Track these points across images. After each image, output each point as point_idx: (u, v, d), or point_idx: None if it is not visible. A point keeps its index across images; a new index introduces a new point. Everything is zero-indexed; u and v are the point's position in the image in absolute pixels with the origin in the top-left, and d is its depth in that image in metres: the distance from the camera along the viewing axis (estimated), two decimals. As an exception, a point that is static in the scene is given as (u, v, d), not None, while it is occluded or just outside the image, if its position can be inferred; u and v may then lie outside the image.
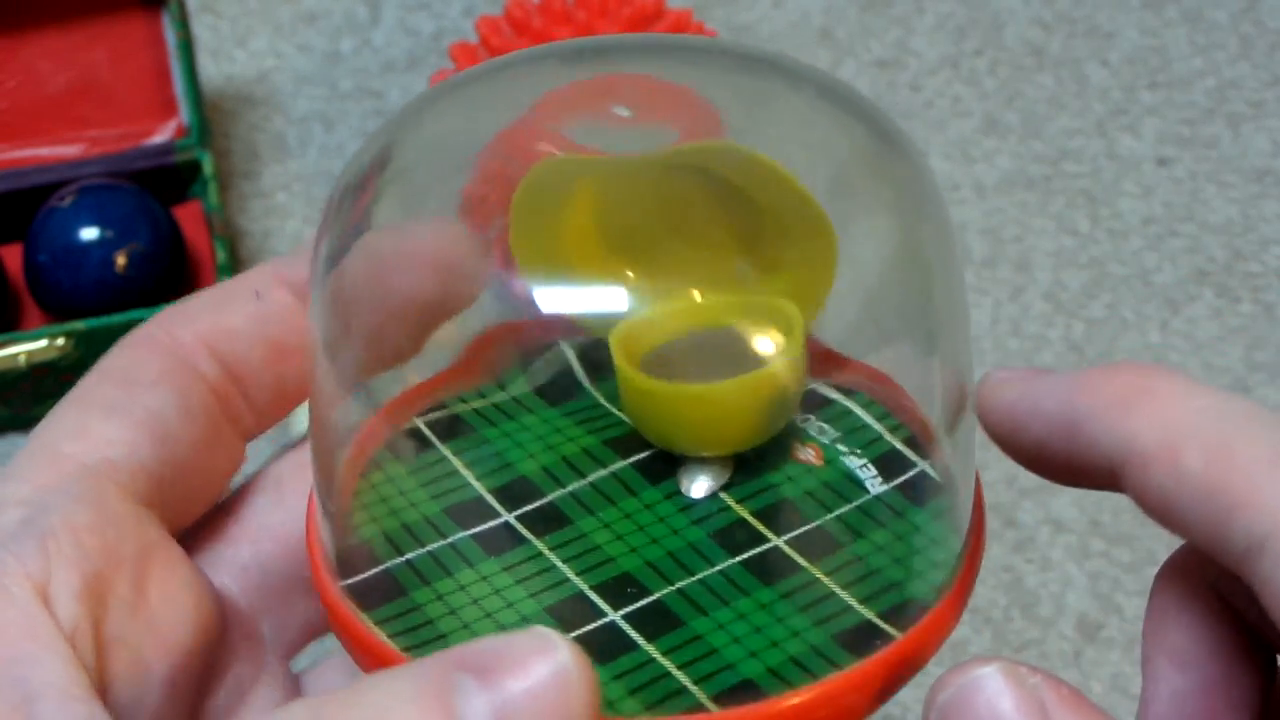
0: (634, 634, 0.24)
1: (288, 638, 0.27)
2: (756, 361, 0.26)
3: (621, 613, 0.24)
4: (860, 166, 0.27)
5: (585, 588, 0.25)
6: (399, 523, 0.26)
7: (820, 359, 0.27)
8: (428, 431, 0.27)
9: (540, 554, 0.25)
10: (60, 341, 0.60)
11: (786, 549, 0.25)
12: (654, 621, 0.24)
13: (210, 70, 0.73)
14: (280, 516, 0.27)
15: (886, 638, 0.24)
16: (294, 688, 0.27)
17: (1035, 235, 0.69)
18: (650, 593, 0.25)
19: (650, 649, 0.24)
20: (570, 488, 0.26)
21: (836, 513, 0.26)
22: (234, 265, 0.67)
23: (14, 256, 0.64)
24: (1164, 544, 0.59)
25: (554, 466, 0.26)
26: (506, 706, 0.20)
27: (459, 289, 0.27)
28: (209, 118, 0.70)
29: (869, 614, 0.24)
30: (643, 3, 0.61)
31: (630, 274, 0.27)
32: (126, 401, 0.25)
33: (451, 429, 0.27)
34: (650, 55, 0.28)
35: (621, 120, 0.27)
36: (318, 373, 0.26)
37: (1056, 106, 0.74)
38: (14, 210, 0.65)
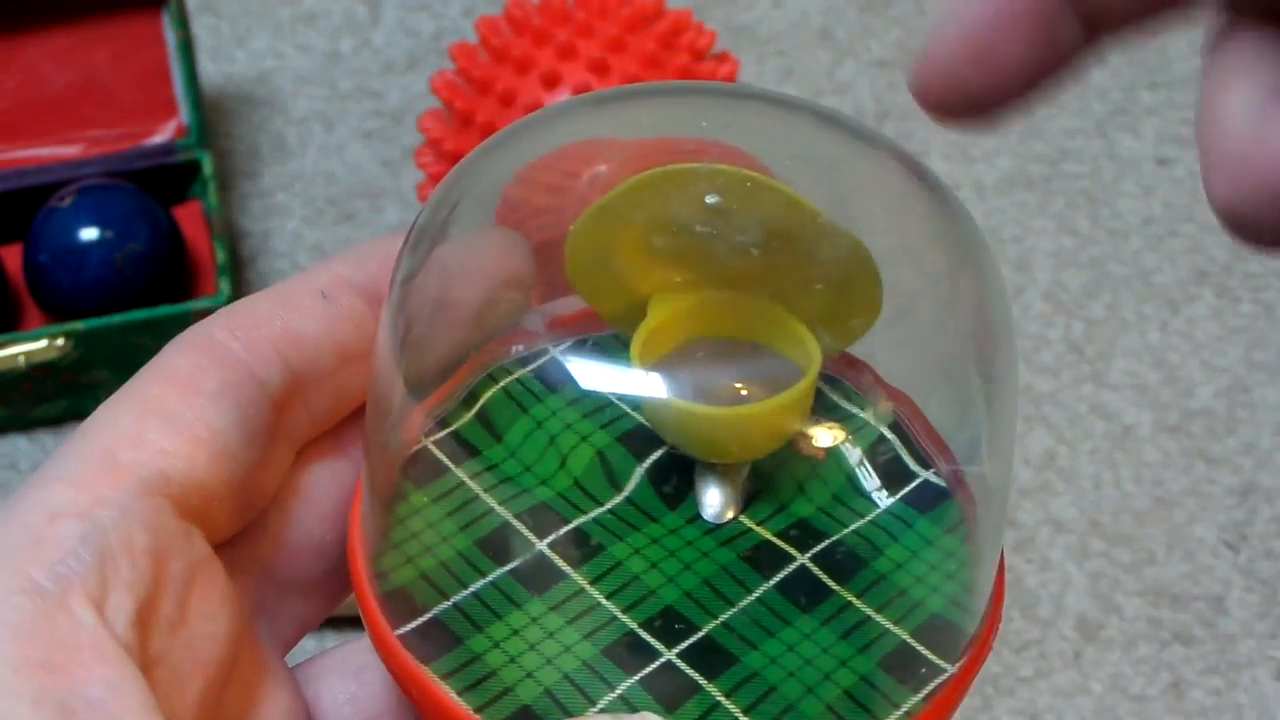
0: (693, 673, 0.24)
1: (283, 635, 0.27)
2: (771, 389, 0.26)
3: (675, 651, 0.24)
4: (912, 216, 0.27)
5: (634, 625, 0.25)
6: (435, 561, 0.25)
7: (842, 364, 0.27)
8: (440, 453, 0.26)
9: (582, 589, 0.25)
10: (60, 341, 0.60)
11: (813, 567, 0.26)
12: (708, 658, 0.24)
13: (210, 70, 0.74)
14: (281, 517, 0.27)
15: (937, 669, 0.24)
16: (297, 689, 0.27)
17: (1035, 235, 0.69)
18: (697, 628, 0.25)
19: (713, 689, 0.24)
20: (593, 514, 0.26)
21: (853, 527, 0.26)
22: (234, 265, 0.67)
23: (14, 256, 0.64)
24: (1163, 544, 0.60)
25: (569, 488, 0.26)
26: None
27: (512, 297, 0.26)
28: (209, 118, 0.70)
29: (907, 637, 0.25)
30: (643, 3, 0.61)
31: (677, 278, 0.27)
32: (187, 413, 0.24)
33: (460, 447, 0.26)
34: (720, 115, 0.28)
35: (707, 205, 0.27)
36: (380, 388, 0.26)
37: (1056, 106, 0.74)
38: (14, 210, 0.65)
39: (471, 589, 0.25)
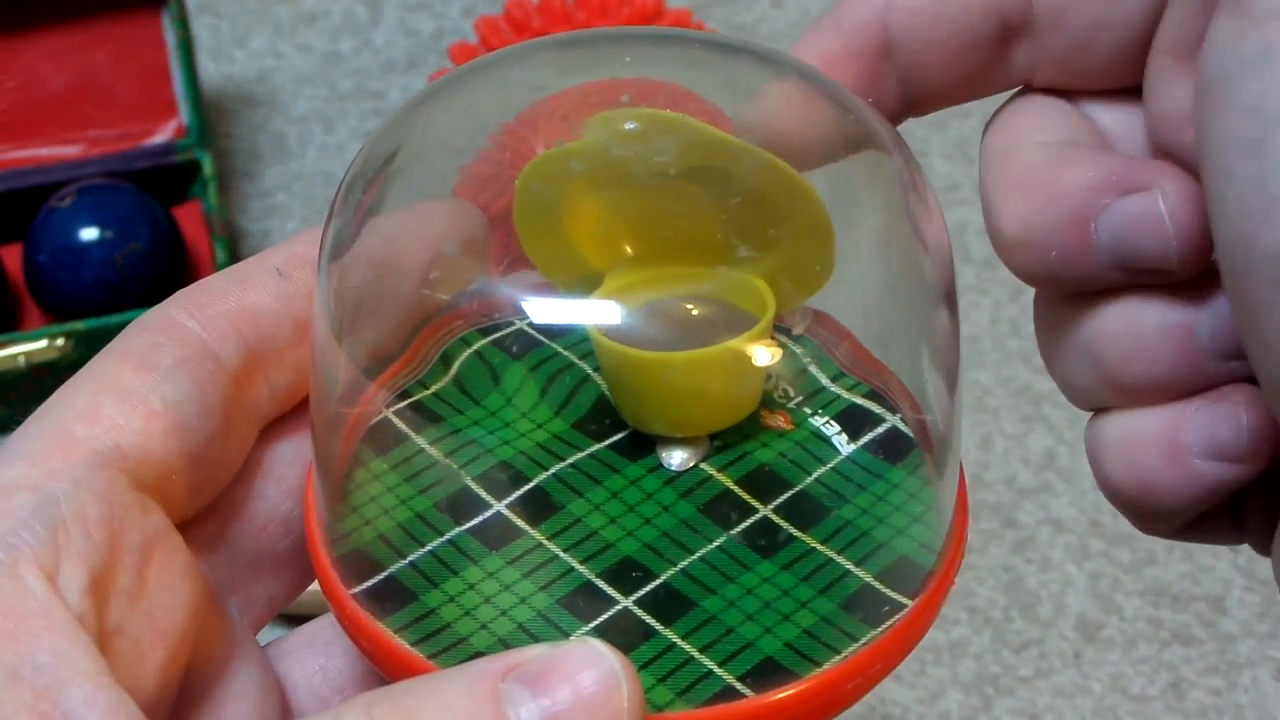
0: (649, 619, 0.24)
1: (254, 614, 0.27)
2: (725, 337, 0.26)
3: (632, 599, 0.24)
4: (849, 150, 0.27)
5: (591, 576, 0.25)
6: (393, 522, 0.26)
7: (805, 319, 0.28)
8: (399, 422, 0.27)
9: (540, 544, 0.25)
10: (60, 341, 0.60)
11: (775, 518, 0.26)
12: (665, 605, 0.24)
13: (210, 70, 0.74)
14: (245, 492, 0.27)
15: (897, 605, 0.25)
16: (267, 664, 0.27)
17: (1035, 235, 0.69)
18: (655, 575, 0.25)
19: (669, 634, 0.24)
20: (553, 470, 0.26)
21: (816, 475, 0.26)
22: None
23: (14, 256, 0.64)
24: (1163, 544, 0.60)
25: (530, 450, 0.26)
26: (558, 714, 0.21)
27: (464, 266, 0.27)
28: (209, 118, 0.70)
29: (867, 577, 0.25)
30: (642, 3, 0.61)
31: (629, 249, 0.27)
32: (142, 388, 0.24)
33: (421, 418, 0.27)
34: (647, 52, 0.28)
35: (628, 131, 0.27)
36: (320, 359, 0.26)
37: (1056, 106, 0.74)
38: (14, 210, 0.65)
39: (428, 547, 0.25)
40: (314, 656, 0.27)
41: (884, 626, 0.24)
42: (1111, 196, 0.24)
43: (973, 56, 0.27)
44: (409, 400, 0.27)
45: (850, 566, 0.25)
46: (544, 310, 0.27)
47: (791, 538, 0.25)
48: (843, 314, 0.28)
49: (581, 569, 0.25)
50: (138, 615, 0.23)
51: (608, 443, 0.26)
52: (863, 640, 0.24)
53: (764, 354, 0.26)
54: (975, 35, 0.27)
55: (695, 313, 0.26)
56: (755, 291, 0.26)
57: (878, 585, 0.25)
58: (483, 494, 0.26)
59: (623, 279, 0.27)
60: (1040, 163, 0.26)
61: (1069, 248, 0.25)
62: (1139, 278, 0.25)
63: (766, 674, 0.24)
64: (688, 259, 0.27)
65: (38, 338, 0.60)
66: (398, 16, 0.76)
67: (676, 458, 0.26)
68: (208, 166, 0.66)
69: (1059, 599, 0.58)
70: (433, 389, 0.27)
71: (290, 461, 0.27)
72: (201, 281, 0.26)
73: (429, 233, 0.26)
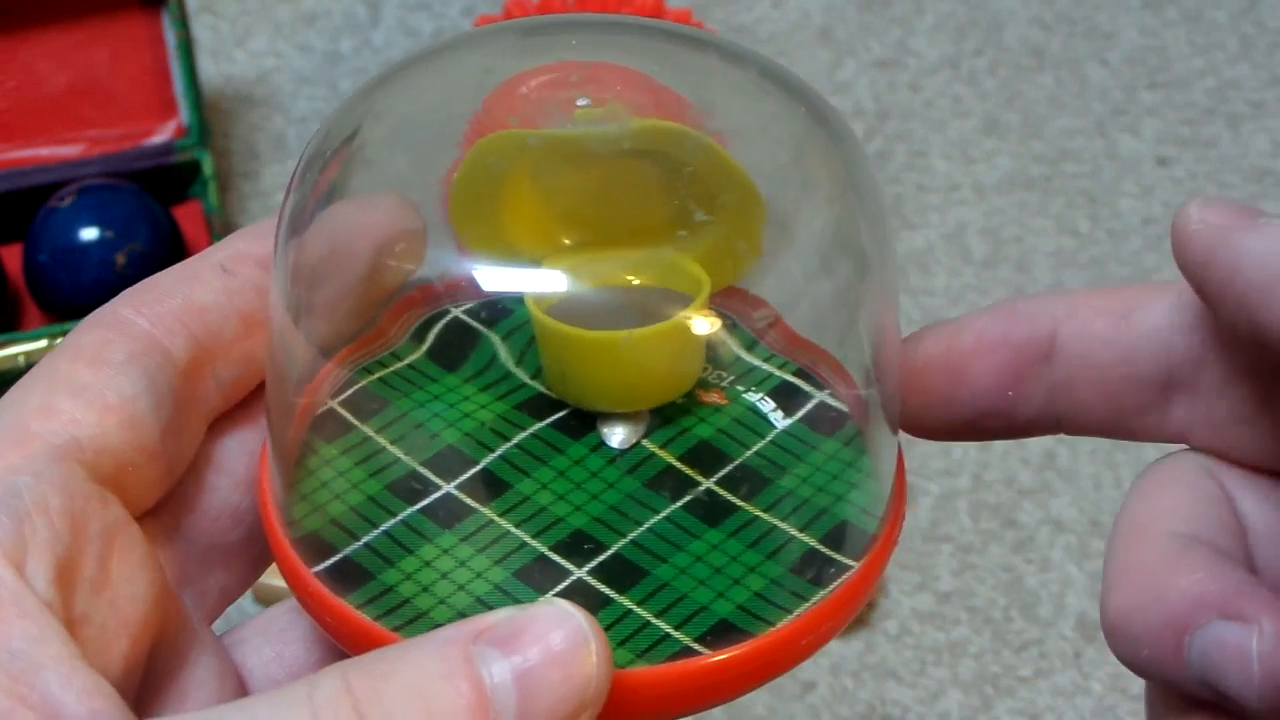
0: (604, 588, 0.25)
1: (208, 605, 0.27)
2: (662, 316, 0.27)
3: (586, 569, 0.25)
4: (793, 141, 0.28)
5: (544, 549, 0.25)
6: (345, 506, 0.26)
7: (736, 300, 0.28)
8: (344, 411, 0.27)
9: (492, 521, 0.26)
10: (60, 341, 0.60)
11: (718, 489, 0.26)
12: (618, 574, 0.25)
13: (210, 70, 0.74)
14: (196, 486, 0.27)
15: (843, 567, 0.26)
16: (224, 652, 0.27)
17: (1035, 235, 0.69)
18: (607, 547, 0.25)
19: (624, 600, 0.25)
20: (499, 451, 0.27)
21: (754, 449, 0.27)
22: (234, 265, 0.67)
23: (14, 256, 0.64)
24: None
25: (476, 432, 0.27)
26: (529, 671, 0.21)
27: (404, 260, 0.27)
28: (209, 118, 0.70)
29: (812, 542, 0.26)
30: (642, 3, 0.61)
31: (566, 240, 0.27)
32: (96, 383, 0.25)
33: (365, 404, 0.27)
34: (609, 38, 0.29)
35: (578, 107, 0.27)
36: (276, 344, 0.26)
37: (1056, 106, 0.74)
38: (14, 210, 0.65)
39: (382, 528, 0.26)
40: (269, 645, 0.28)
41: (831, 587, 0.25)
42: (1212, 615, 0.25)
43: (1133, 395, 0.28)
44: (356, 386, 0.27)
45: (794, 532, 0.26)
46: (486, 279, 0.27)
47: (735, 507, 0.26)
48: (773, 294, 0.28)
49: (534, 543, 0.25)
50: (102, 604, 0.24)
51: (549, 421, 0.27)
52: (812, 600, 0.25)
53: (703, 324, 0.27)
54: (1139, 374, 0.27)
55: (631, 293, 0.27)
56: (689, 273, 0.27)
57: (822, 549, 0.26)
58: (432, 476, 0.26)
59: (559, 262, 0.27)
60: (1160, 558, 0.26)
61: (1162, 651, 0.25)
62: (1224, 701, 0.25)
63: (721, 634, 0.24)
64: (622, 242, 0.28)
65: (38, 338, 0.60)
66: (398, 16, 0.76)
67: (618, 436, 0.27)
68: (208, 166, 0.66)
69: (1059, 599, 0.58)
70: (377, 375, 0.28)
71: (238, 455, 0.28)
72: (148, 280, 0.27)
73: (375, 221, 0.27)
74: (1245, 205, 0.25)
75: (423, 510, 0.26)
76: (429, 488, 0.26)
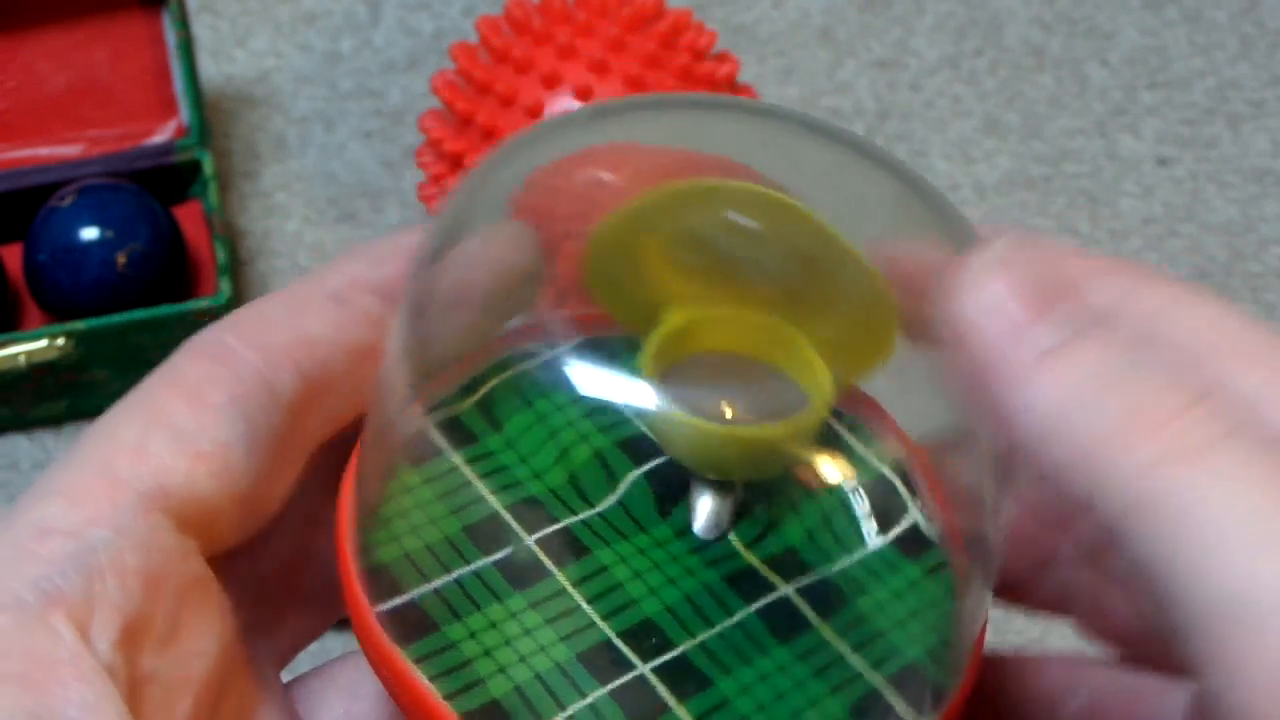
0: (664, 692, 0.24)
1: (280, 651, 0.27)
2: (777, 409, 0.26)
3: (650, 666, 0.24)
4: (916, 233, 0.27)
5: (612, 634, 0.24)
6: (421, 543, 0.25)
7: (855, 401, 0.27)
8: (438, 435, 0.26)
9: (564, 590, 0.25)
10: (60, 341, 0.60)
11: (797, 600, 0.25)
12: (682, 679, 0.24)
13: (210, 70, 0.74)
14: (272, 528, 0.26)
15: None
16: (292, 709, 0.26)
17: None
18: (673, 645, 0.24)
19: (682, 713, 0.24)
20: (581, 515, 0.25)
21: (842, 563, 0.26)
22: (234, 265, 0.67)
23: (14, 256, 0.64)
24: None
25: (561, 489, 0.26)
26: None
27: (520, 288, 0.26)
28: (209, 118, 0.70)
29: (876, 681, 0.25)
30: (643, 3, 0.61)
31: (687, 289, 0.27)
32: (192, 425, 0.24)
33: (459, 436, 0.26)
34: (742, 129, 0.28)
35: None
36: (388, 365, 0.25)
37: (1056, 106, 0.74)
38: (14, 210, 0.65)
39: (454, 575, 0.25)
40: (339, 700, 0.27)
41: None
42: None
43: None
44: (449, 415, 0.26)
45: (863, 668, 0.25)
46: (595, 377, 0.26)
47: (809, 624, 0.25)
48: (891, 403, 0.27)
49: (602, 625, 0.24)
50: (169, 663, 0.23)
51: (644, 470, 0.26)
52: None
53: (829, 468, 0.26)
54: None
55: (744, 365, 0.26)
56: (809, 364, 0.26)
57: (887, 695, 0.25)
58: (513, 524, 0.25)
59: (680, 318, 0.26)
60: None
61: None
62: None
63: None
64: (744, 306, 0.26)
65: (38, 338, 0.60)
66: (398, 16, 0.76)
67: (706, 516, 0.26)
68: (208, 166, 0.66)
69: (1059, 599, 0.58)
70: (471, 407, 0.26)
71: (316, 494, 0.27)
72: (255, 305, 0.26)
73: (488, 254, 0.26)
74: (1043, 281, 0.22)
75: (497, 563, 0.25)
76: (507, 537, 0.25)
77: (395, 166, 0.71)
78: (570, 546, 0.25)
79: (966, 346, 0.22)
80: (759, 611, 0.25)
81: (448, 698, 0.24)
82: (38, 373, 0.60)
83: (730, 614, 0.25)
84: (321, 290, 0.26)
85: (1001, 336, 0.22)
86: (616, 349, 0.27)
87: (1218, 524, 0.19)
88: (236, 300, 0.63)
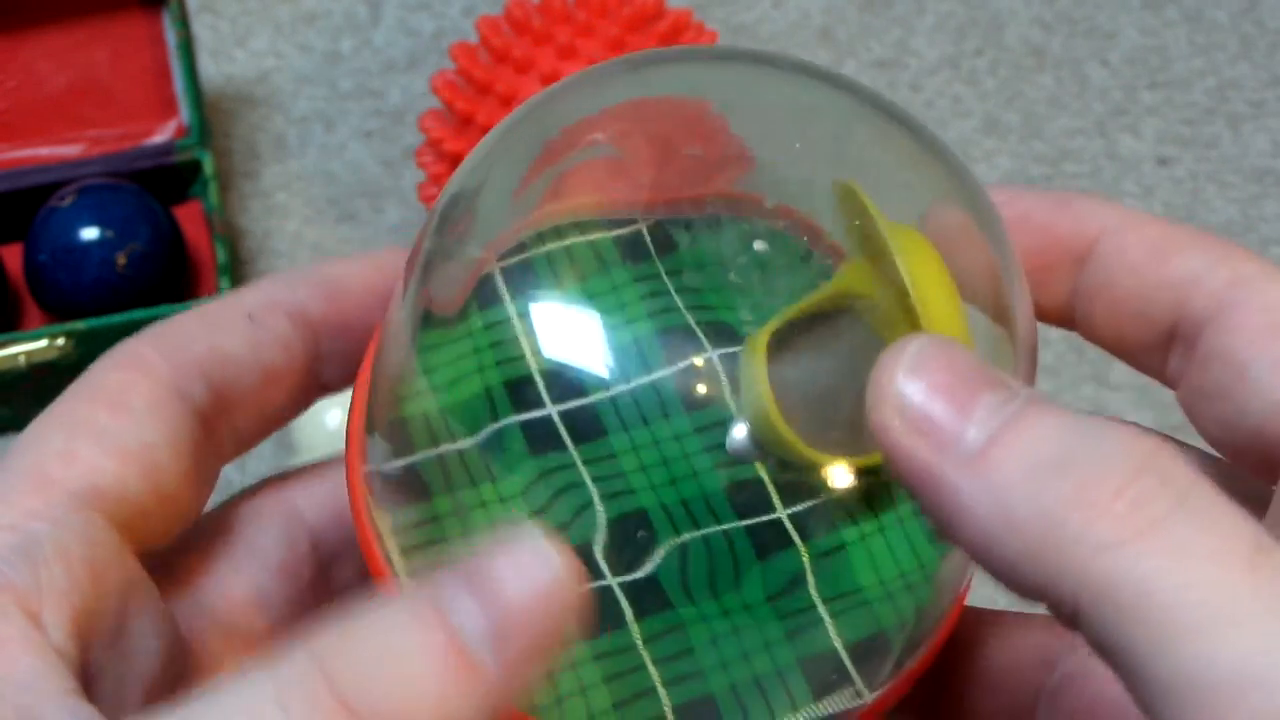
0: (627, 611, 0.23)
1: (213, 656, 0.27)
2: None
3: (617, 580, 0.24)
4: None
5: (599, 526, 0.24)
6: (448, 400, 0.24)
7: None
8: (501, 282, 0.25)
9: (568, 467, 0.24)
10: (60, 341, 0.60)
11: (788, 525, 0.24)
12: (646, 599, 0.24)
13: (210, 70, 0.74)
14: (232, 565, 0.26)
15: (849, 691, 0.24)
16: None
17: (1035, 235, 0.69)
18: (654, 548, 0.24)
19: (637, 638, 0.23)
20: (615, 391, 0.24)
21: (851, 508, 0.25)
22: (234, 265, 0.67)
23: (14, 256, 0.64)
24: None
25: (609, 355, 0.24)
26: (503, 618, 0.20)
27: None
28: (209, 118, 0.70)
29: (837, 643, 0.24)
30: (643, 3, 0.61)
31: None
32: (117, 429, 0.24)
33: (525, 280, 0.25)
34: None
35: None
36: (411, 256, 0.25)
37: (1056, 106, 0.74)
38: (14, 210, 0.65)
39: (459, 445, 0.24)
40: (249, 567, 0.27)
41: (832, 711, 0.24)
42: None
43: (1138, 330, 0.28)
44: (515, 259, 0.25)
45: (828, 622, 0.24)
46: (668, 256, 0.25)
47: (794, 558, 0.24)
48: None
49: (597, 506, 0.24)
50: (118, 657, 0.23)
51: (680, 373, 0.24)
52: (801, 714, 0.24)
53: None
54: (1150, 315, 0.27)
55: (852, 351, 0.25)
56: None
57: (842, 656, 0.24)
58: (543, 392, 0.24)
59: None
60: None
61: None
62: None
63: (696, 711, 0.23)
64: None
65: (38, 338, 0.60)
66: (398, 16, 0.76)
67: (740, 439, 0.24)
68: (208, 166, 0.66)
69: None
70: (555, 245, 0.25)
71: (250, 522, 0.27)
72: (172, 320, 0.26)
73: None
74: (956, 381, 0.22)
75: (519, 425, 0.24)
76: (534, 404, 0.24)
77: (395, 166, 0.71)
78: (590, 425, 0.24)
79: (897, 459, 0.21)
80: (747, 529, 0.24)
81: (416, 562, 0.23)
82: (38, 373, 0.60)
83: (719, 522, 0.24)
84: (238, 309, 0.26)
85: (930, 444, 0.21)
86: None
87: (1173, 607, 0.19)
88: (236, 300, 0.64)
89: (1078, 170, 0.72)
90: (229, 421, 0.26)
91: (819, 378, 0.25)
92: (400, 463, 0.25)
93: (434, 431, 0.25)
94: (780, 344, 0.24)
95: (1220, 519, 0.20)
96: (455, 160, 0.61)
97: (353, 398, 0.26)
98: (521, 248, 0.25)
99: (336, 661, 0.20)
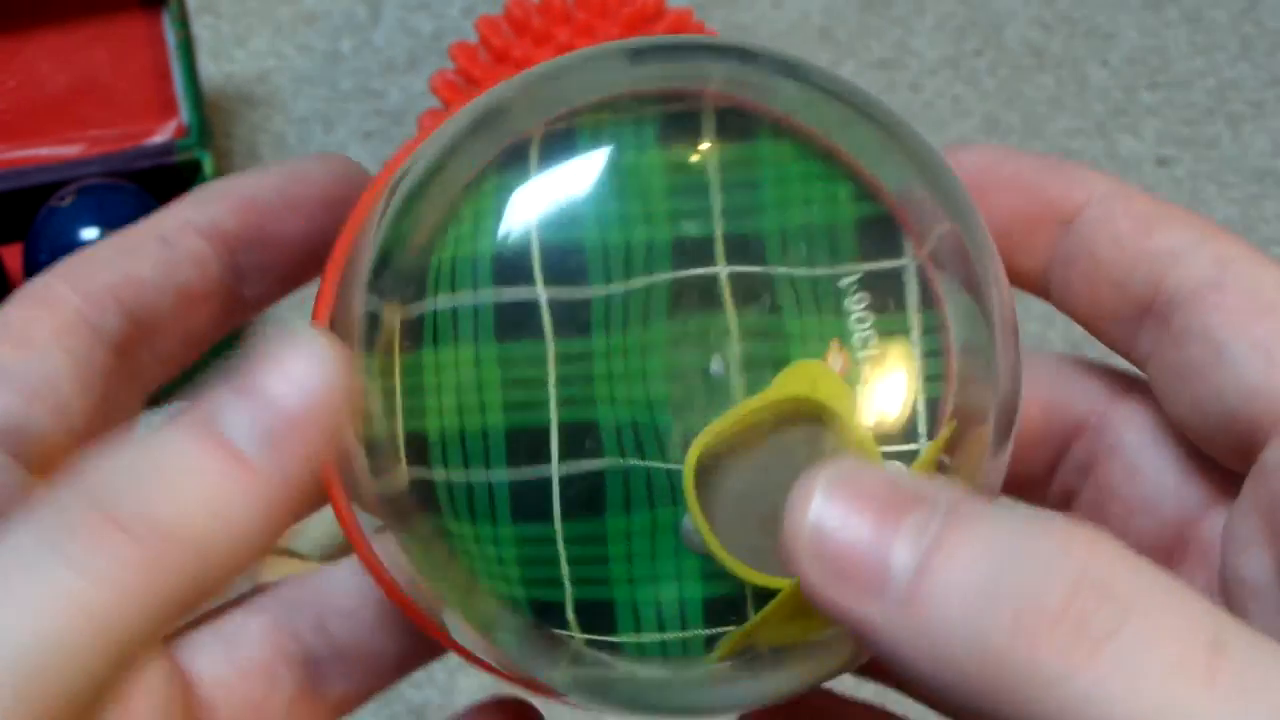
0: (557, 521, 0.24)
1: None
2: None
3: (563, 472, 0.24)
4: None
5: (551, 421, 0.24)
6: (457, 252, 0.24)
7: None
8: (535, 149, 0.25)
9: (539, 358, 0.24)
10: None
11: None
12: (581, 504, 0.24)
13: (210, 70, 0.74)
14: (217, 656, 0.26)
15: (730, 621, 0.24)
16: (174, 661, 0.26)
17: (1035, 235, 0.69)
18: (597, 456, 0.24)
19: (559, 536, 0.24)
20: (613, 288, 0.24)
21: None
22: (234, 265, 0.67)
23: (14, 256, 0.64)
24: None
25: (615, 248, 0.24)
26: (272, 419, 0.20)
27: None
28: (209, 118, 0.70)
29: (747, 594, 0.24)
30: (643, 3, 0.61)
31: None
32: (19, 366, 0.24)
33: (565, 145, 0.25)
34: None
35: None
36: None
37: (1056, 106, 0.74)
38: (14, 210, 0.65)
39: (454, 301, 0.24)
40: (221, 647, 0.26)
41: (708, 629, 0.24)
42: None
43: (1113, 303, 0.27)
44: (564, 124, 0.25)
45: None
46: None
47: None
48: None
49: (551, 407, 0.24)
50: None
51: (684, 273, 0.24)
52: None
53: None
54: (1128, 288, 0.27)
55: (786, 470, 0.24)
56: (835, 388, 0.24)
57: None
58: (536, 272, 0.24)
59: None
60: None
61: None
62: None
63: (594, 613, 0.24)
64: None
65: (38, 338, 0.60)
66: (398, 16, 0.76)
67: (718, 366, 0.24)
68: (208, 166, 0.66)
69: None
70: (598, 114, 0.25)
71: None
72: (86, 250, 0.26)
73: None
74: (868, 516, 0.21)
75: (497, 305, 0.24)
76: (525, 279, 0.24)
77: (395, 166, 0.71)
78: (577, 319, 0.24)
79: (823, 607, 0.21)
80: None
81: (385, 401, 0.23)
82: (38, 373, 0.60)
83: (663, 450, 0.24)
84: (151, 233, 0.27)
85: (854, 590, 0.20)
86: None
87: None
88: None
89: (1078, 170, 0.72)
90: (150, 347, 0.26)
91: (752, 492, 0.24)
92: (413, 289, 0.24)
93: (439, 284, 0.24)
94: (721, 448, 0.24)
95: (1171, 623, 0.19)
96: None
97: (324, 275, 0.26)
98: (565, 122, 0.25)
99: (104, 487, 0.20)
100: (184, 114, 0.67)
